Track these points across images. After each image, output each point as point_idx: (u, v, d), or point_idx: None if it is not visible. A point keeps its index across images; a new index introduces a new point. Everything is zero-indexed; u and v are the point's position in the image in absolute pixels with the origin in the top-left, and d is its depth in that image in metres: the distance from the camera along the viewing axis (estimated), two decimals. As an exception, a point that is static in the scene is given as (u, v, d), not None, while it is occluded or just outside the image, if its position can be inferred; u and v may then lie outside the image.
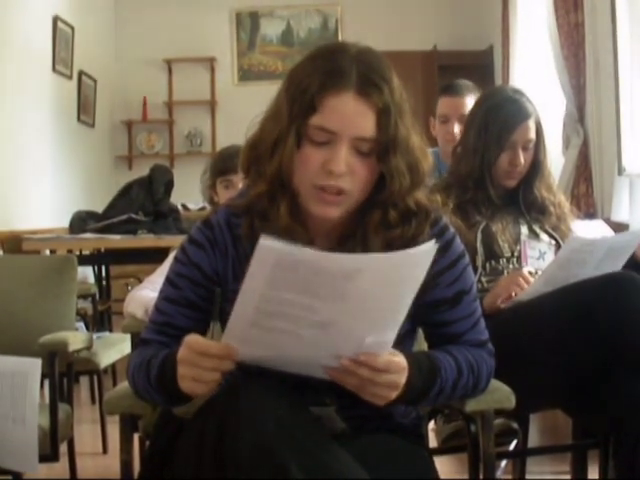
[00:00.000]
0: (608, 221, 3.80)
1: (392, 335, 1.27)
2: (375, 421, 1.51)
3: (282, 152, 1.40)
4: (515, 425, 2.56)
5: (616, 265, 2.12)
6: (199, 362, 1.28)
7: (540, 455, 2.92)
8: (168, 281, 1.54)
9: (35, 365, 1.81)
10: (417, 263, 1.20)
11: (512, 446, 2.73)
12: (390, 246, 1.42)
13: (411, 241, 1.43)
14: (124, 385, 1.64)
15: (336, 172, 1.38)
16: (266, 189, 1.44)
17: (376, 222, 1.45)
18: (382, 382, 1.29)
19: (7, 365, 1.84)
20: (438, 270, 1.44)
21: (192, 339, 1.30)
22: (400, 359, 1.31)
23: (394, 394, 1.31)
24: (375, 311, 1.22)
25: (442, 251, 1.42)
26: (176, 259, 1.55)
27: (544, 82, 5.57)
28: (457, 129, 3.15)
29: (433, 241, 1.21)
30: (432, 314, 1.47)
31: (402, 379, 1.31)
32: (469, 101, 3.15)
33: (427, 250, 1.19)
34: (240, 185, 2.67)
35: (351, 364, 1.26)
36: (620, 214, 4.34)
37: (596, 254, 2.06)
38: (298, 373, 1.34)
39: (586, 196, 4.84)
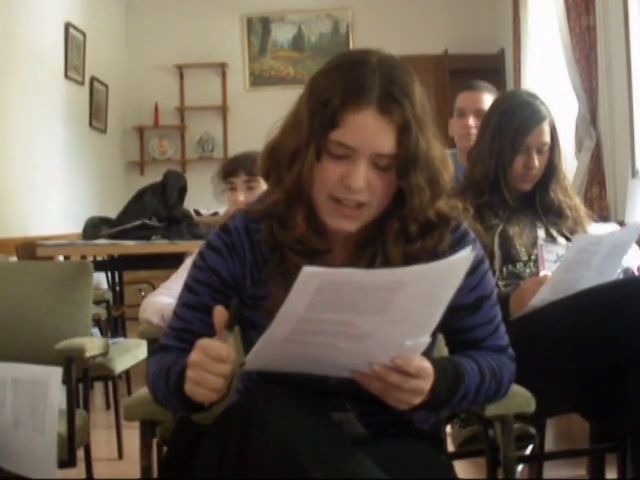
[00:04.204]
0: (622, 224, 3.79)
1: (428, 336, 1.28)
2: (395, 427, 1.52)
3: (302, 165, 1.40)
4: (532, 430, 2.55)
5: (616, 264, 2.13)
6: (206, 365, 1.27)
7: (556, 459, 2.91)
8: (186, 287, 1.54)
9: (55, 373, 1.81)
10: (457, 269, 1.21)
11: (528, 450, 2.72)
12: (411, 257, 1.42)
13: (432, 251, 1.44)
14: (143, 391, 1.64)
15: (354, 188, 1.38)
16: (283, 198, 1.44)
17: (395, 232, 1.44)
18: (409, 388, 1.29)
19: (27, 373, 1.84)
20: None
21: (205, 342, 1.30)
22: (428, 365, 1.31)
23: (418, 399, 1.31)
24: (414, 318, 1.23)
25: None
26: (194, 265, 1.54)
27: (556, 85, 5.56)
28: (472, 122, 3.16)
29: (470, 247, 1.21)
30: (453, 320, 1.46)
31: (428, 385, 1.31)
32: (486, 97, 3.16)
33: (466, 256, 1.21)
34: (241, 187, 2.76)
35: (383, 370, 1.26)
36: (634, 217, 4.33)
37: (600, 253, 2.06)
38: (321, 374, 1.35)
39: (599, 199, 4.83)
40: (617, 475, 2.25)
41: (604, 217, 4.59)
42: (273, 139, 1.47)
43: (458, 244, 1.48)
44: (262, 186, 2.70)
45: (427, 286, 1.19)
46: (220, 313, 1.30)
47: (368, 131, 1.37)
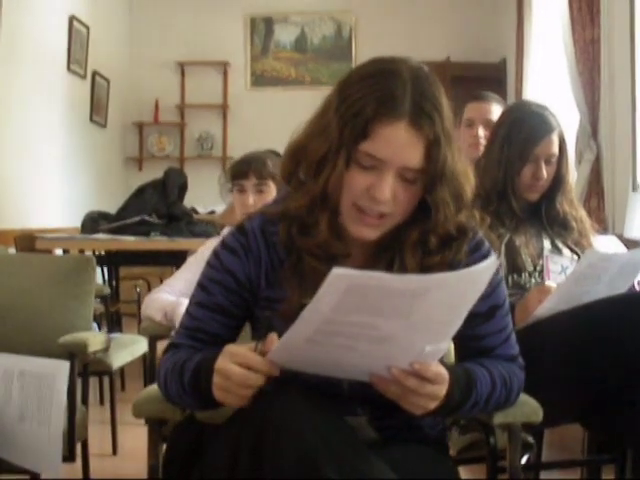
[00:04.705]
0: (621, 237, 3.80)
1: (447, 343, 1.30)
2: (405, 432, 1.53)
3: (330, 173, 1.40)
4: (530, 439, 2.56)
5: (627, 282, 2.13)
6: (235, 376, 1.29)
7: (551, 469, 2.92)
8: (200, 286, 1.54)
9: (62, 367, 1.81)
10: (480, 277, 1.23)
11: (524, 460, 2.73)
12: (427, 267, 1.43)
13: (449, 262, 1.45)
14: (152, 388, 1.64)
15: (380, 199, 1.39)
16: (307, 203, 1.44)
17: (414, 242, 1.46)
18: (425, 393, 1.30)
19: (35, 366, 1.84)
20: None
21: (232, 349, 1.31)
22: (444, 371, 1.32)
23: (433, 405, 1.32)
24: (436, 324, 1.24)
25: None
26: (209, 265, 1.55)
27: (557, 96, 5.58)
28: (481, 132, 3.17)
29: (494, 257, 1.22)
30: (465, 328, 1.46)
31: (443, 391, 1.32)
32: (495, 108, 3.17)
33: (490, 265, 1.22)
34: (251, 190, 2.73)
35: (401, 374, 1.27)
36: (633, 231, 4.34)
37: (610, 270, 2.06)
38: (338, 376, 1.35)
39: (597, 211, 4.85)
40: (615, 485, 2.26)
41: (602, 229, 4.60)
42: (296, 142, 1.47)
43: (473, 253, 1.50)
44: (271, 189, 2.71)
45: (451, 293, 1.20)
46: (274, 340, 1.30)
47: (398, 144, 1.37)
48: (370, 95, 1.38)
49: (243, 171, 2.75)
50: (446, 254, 1.46)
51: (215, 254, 1.54)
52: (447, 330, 1.27)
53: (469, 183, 1.47)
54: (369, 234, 1.44)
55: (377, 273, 1.19)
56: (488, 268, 1.22)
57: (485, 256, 1.50)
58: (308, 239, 1.45)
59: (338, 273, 1.14)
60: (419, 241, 1.45)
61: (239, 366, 1.29)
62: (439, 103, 1.41)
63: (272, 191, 2.70)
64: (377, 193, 1.39)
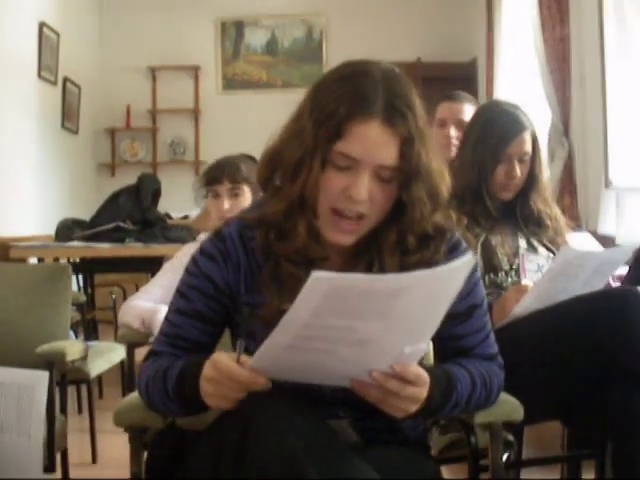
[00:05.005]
0: (594, 234, 3.83)
1: (426, 343, 1.30)
2: (386, 434, 1.53)
3: (307, 177, 1.41)
4: (510, 437, 2.58)
5: (602, 281, 2.15)
6: (225, 383, 1.29)
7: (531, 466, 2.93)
8: (179, 293, 1.54)
9: (42, 378, 1.78)
10: (457, 275, 1.23)
11: (504, 458, 2.73)
12: (406, 267, 1.43)
13: (427, 262, 1.45)
14: (133, 396, 1.63)
15: (357, 199, 1.40)
16: (285, 208, 1.44)
17: (392, 243, 1.46)
18: (406, 395, 1.30)
19: (12, 377, 1.81)
20: None
21: (219, 360, 1.31)
22: (424, 372, 1.33)
23: (414, 407, 1.33)
24: (414, 324, 1.24)
25: None
26: (187, 271, 1.54)
27: (528, 95, 5.61)
28: (453, 133, 3.17)
29: (471, 254, 1.23)
30: (443, 328, 1.46)
31: (424, 392, 1.33)
32: (467, 108, 3.17)
33: (467, 262, 1.22)
34: (225, 195, 2.72)
35: (381, 377, 1.27)
36: (606, 227, 4.38)
37: (587, 268, 2.08)
38: (318, 383, 1.35)
39: (570, 209, 4.89)
40: (595, 481, 2.27)
41: (576, 227, 4.63)
42: (272, 148, 1.48)
43: (451, 253, 1.50)
44: (246, 193, 2.70)
45: (429, 291, 1.20)
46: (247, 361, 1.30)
47: (372, 143, 1.38)
48: (343, 96, 1.39)
49: (217, 177, 2.73)
50: (424, 253, 1.47)
51: (193, 260, 1.54)
52: (426, 330, 1.28)
53: (444, 182, 1.47)
54: (345, 240, 1.45)
55: (356, 275, 1.19)
56: (465, 265, 1.22)
57: (461, 256, 1.50)
58: (286, 244, 1.45)
59: (318, 277, 1.14)
60: (397, 241, 1.46)
61: (228, 377, 1.29)
62: (411, 101, 1.42)
63: (247, 195, 2.70)
64: (353, 193, 1.39)
